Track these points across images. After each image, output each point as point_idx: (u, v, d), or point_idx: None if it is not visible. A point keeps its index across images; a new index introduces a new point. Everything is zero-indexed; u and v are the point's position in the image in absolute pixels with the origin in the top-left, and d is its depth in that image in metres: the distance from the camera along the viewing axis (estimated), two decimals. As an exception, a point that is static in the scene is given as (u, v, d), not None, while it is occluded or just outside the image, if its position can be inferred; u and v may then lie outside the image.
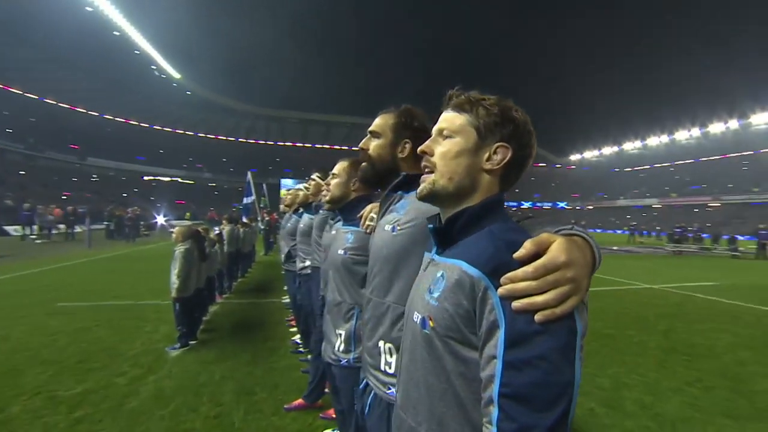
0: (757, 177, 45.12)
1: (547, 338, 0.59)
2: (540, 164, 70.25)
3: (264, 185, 22.60)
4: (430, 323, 0.72)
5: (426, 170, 0.85)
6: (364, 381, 1.32)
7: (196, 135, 60.56)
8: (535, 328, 0.59)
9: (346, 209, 1.86)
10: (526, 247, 0.63)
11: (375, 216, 1.56)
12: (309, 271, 3.37)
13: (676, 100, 55.64)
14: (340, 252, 1.68)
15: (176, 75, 51.44)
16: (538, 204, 62.01)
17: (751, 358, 4.27)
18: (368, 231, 1.58)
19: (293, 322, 5.14)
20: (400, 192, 1.30)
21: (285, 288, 7.34)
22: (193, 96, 56.25)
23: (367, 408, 1.25)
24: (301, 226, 3.54)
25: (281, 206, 6.14)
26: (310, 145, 67.97)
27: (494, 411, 0.60)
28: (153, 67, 48.67)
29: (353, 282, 1.65)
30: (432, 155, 0.84)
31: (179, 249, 4.10)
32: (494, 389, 0.61)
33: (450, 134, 0.83)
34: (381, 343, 1.21)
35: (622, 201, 55.90)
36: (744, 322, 5.84)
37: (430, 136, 1.36)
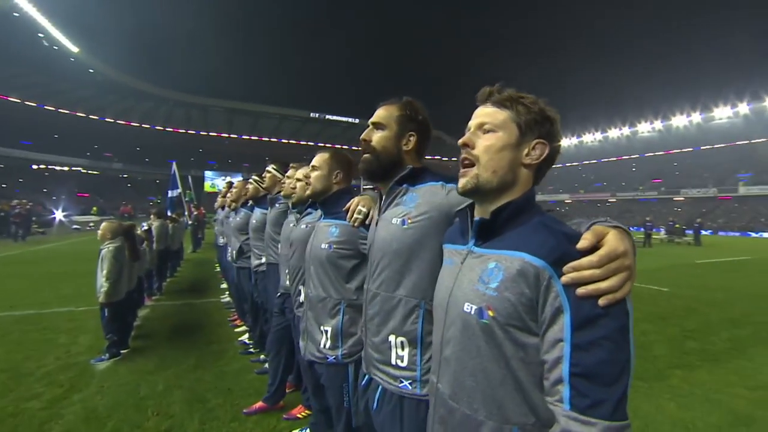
0: (642, 177, 53.22)
1: (609, 320, 0.64)
2: (454, 159, 74.73)
3: (189, 177, 20.72)
4: (489, 313, 0.74)
5: (465, 163, 0.86)
6: (366, 377, 1.30)
7: (103, 119, 53.17)
8: (599, 311, 0.65)
9: (328, 202, 1.79)
10: (588, 238, 0.68)
11: (363, 209, 1.55)
12: (265, 268, 3.21)
13: (583, 106, 63.23)
14: (324, 246, 1.62)
15: (73, 48, 43.96)
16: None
17: (650, 329, 5.06)
18: (356, 225, 1.56)
19: (238, 322, 4.84)
20: (405, 185, 1.28)
21: (223, 286, 6.88)
22: (97, 75, 48.76)
23: (375, 404, 1.23)
24: (254, 221, 3.34)
25: (220, 199, 5.69)
26: (236, 136, 63.88)
27: (565, 389, 0.65)
28: (40, 35, 40.79)
29: (338, 276, 1.61)
30: (473, 148, 0.85)
31: (107, 248, 3.59)
32: (564, 369, 0.65)
33: (492, 128, 0.84)
34: (392, 338, 1.20)
35: (540, 196, 61.26)
36: (643, 300, 6.89)
37: (432, 130, 1.37)
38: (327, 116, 63.62)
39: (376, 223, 1.33)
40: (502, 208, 0.83)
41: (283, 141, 64.22)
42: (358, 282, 1.61)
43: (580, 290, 0.66)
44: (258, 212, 3.33)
